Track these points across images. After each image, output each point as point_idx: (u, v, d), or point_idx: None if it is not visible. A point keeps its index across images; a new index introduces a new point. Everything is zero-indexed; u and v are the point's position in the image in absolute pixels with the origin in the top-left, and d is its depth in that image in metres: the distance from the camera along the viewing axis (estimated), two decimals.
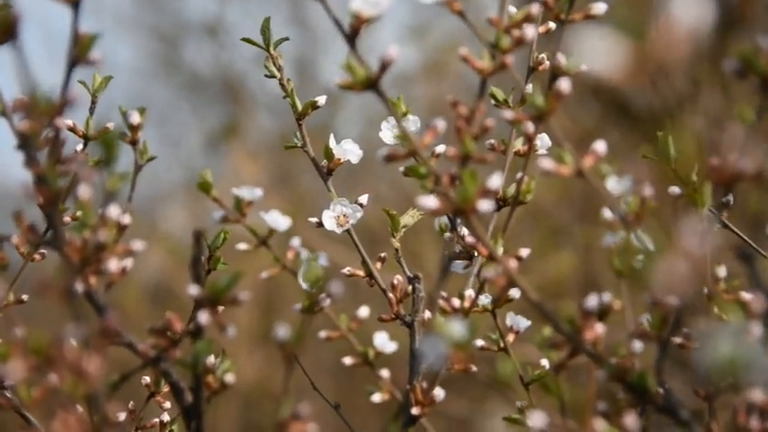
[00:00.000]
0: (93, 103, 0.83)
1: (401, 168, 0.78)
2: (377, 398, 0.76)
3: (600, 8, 0.70)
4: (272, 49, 0.81)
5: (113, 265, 0.61)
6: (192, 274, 0.62)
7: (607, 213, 0.62)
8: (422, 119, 0.77)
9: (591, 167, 0.60)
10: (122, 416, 0.79)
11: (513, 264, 0.60)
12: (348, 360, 0.80)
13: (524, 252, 0.71)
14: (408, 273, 0.81)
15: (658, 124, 2.03)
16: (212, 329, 0.61)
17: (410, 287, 0.80)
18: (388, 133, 0.79)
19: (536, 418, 0.57)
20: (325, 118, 3.33)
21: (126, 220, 0.64)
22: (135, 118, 0.76)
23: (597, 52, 0.51)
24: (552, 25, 0.78)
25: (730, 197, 0.71)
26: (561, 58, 0.68)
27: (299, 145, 0.83)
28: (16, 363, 0.56)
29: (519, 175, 0.73)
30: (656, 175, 0.66)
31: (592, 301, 0.59)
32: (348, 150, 0.82)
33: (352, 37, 0.60)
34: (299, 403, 0.59)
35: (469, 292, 0.73)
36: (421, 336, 0.77)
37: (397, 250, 0.82)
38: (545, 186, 2.34)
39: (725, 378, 0.49)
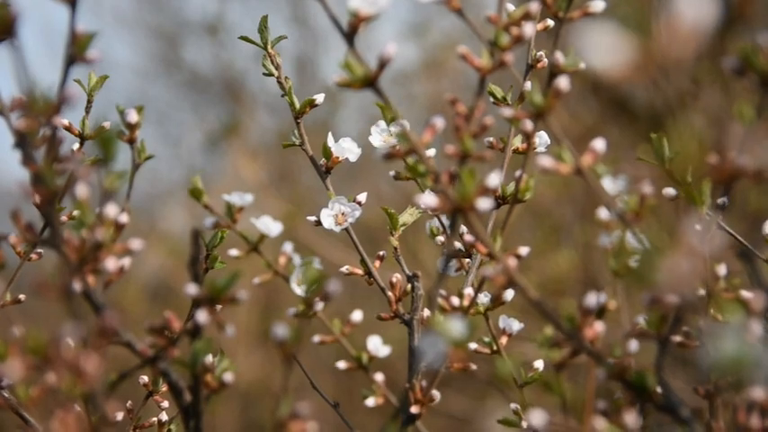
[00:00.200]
0: (90, 102, 0.83)
1: (391, 173, 0.78)
2: (371, 402, 0.77)
3: (598, 6, 0.70)
4: (269, 47, 0.81)
5: (111, 264, 0.61)
6: (191, 273, 0.62)
7: (603, 213, 0.62)
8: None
9: (590, 166, 0.60)
10: (120, 415, 0.79)
11: (512, 262, 0.60)
12: (342, 364, 0.81)
13: (524, 250, 0.71)
14: (407, 271, 0.81)
15: (658, 122, 2.03)
16: (211, 328, 0.61)
17: (409, 285, 0.80)
18: (377, 137, 0.79)
19: (536, 417, 0.57)
20: (325, 116, 3.33)
21: (124, 218, 0.64)
22: (132, 116, 0.76)
23: (601, 48, 0.51)
24: (550, 22, 0.78)
25: (726, 199, 0.71)
26: (560, 56, 0.68)
27: (298, 143, 0.83)
28: (14, 362, 0.56)
29: (518, 173, 0.73)
30: (655, 173, 0.66)
31: (591, 299, 0.58)
32: (347, 149, 0.82)
33: (350, 35, 0.60)
34: (298, 402, 0.59)
35: (468, 291, 0.72)
36: (420, 334, 0.77)
37: (395, 248, 0.82)
38: (545, 184, 2.34)
39: (729, 376, 0.49)
